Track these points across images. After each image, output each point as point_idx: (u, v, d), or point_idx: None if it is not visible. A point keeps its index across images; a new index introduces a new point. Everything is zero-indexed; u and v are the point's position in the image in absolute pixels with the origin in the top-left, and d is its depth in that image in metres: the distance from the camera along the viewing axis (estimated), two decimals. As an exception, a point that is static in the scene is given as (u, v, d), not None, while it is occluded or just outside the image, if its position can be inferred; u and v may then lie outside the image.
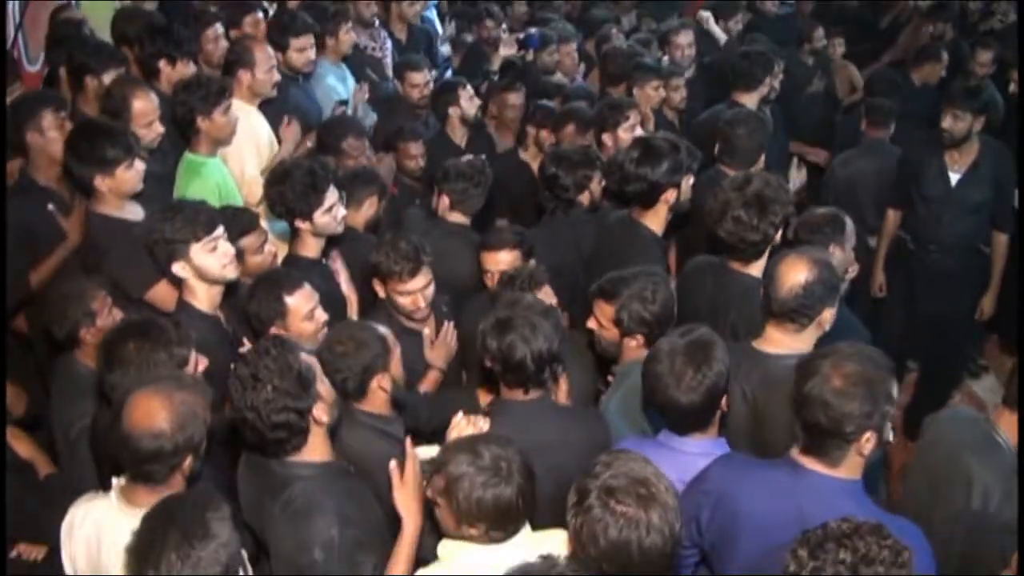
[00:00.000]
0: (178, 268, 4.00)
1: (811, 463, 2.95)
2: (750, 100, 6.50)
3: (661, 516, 2.55)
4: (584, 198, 5.20)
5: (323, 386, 3.18)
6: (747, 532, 2.96)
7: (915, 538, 2.78)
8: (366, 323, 3.91)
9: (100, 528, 3.06)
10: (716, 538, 3.08)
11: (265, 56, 5.72)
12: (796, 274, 3.57)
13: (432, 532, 3.18)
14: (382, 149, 6.20)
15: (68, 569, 3.16)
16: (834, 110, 8.93)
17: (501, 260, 4.56)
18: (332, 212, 4.57)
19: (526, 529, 3.00)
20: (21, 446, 3.94)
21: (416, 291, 4.27)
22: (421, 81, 6.83)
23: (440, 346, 4.44)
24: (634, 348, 3.91)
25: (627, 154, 4.75)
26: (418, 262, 4.23)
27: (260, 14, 6.75)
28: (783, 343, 3.66)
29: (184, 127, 5.15)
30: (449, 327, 4.48)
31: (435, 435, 3.69)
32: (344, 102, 6.54)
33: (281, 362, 3.06)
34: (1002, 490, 3.31)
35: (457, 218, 5.13)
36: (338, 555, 3.00)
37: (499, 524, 2.91)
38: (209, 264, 3.99)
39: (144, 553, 2.53)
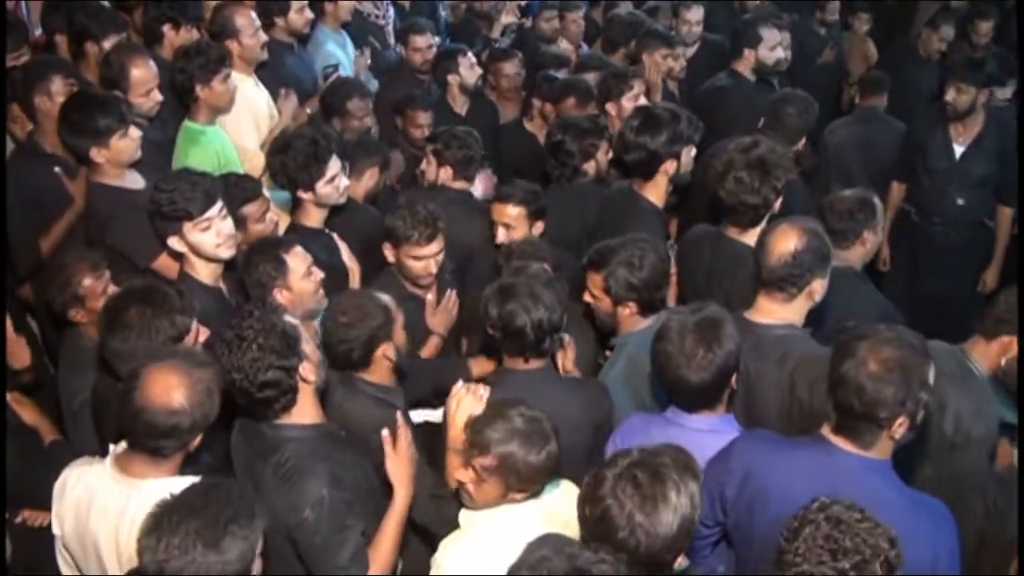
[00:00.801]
0: (173, 242, 4.01)
1: (842, 443, 2.92)
2: (745, 67, 6.62)
3: (648, 524, 2.52)
4: (590, 167, 5.19)
5: (308, 346, 3.20)
6: (777, 510, 2.89)
7: (943, 519, 2.88)
8: (368, 292, 3.92)
9: (91, 493, 3.08)
10: (743, 515, 3.06)
11: (247, 21, 5.65)
12: (786, 242, 3.56)
13: (432, 499, 3.26)
14: (391, 114, 6.18)
15: (56, 529, 3.19)
16: (843, 82, 8.90)
17: (508, 213, 4.62)
18: (334, 182, 4.57)
19: None
20: (26, 412, 3.95)
21: (430, 256, 4.30)
22: (424, 44, 6.83)
23: (441, 312, 4.46)
24: (628, 316, 3.92)
25: (628, 122, 4.76)
26: (435, 228, 4.27)
27: None
28: (773, 313, 3.66)
29: (183, 95, 5.13)
30: (451, 294, 4.50)
31: (437, 398, 3.73)
32: (335, 66, 6.50)
33: (264, 321, 3.08)
34: (972, 411, 3.59)
35: (460, 185, 5.15)
36: (328, 515, 3.03)
37: (548, 478, 3.00)
38: (202, 242, 3.99)
39: (158, 524, 2.54)
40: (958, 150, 6.18)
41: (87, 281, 3.95)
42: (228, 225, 4.05)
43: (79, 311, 3.97)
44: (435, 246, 4.30)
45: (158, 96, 4.99)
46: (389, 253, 4.36)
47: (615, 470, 2.57)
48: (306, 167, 4.49)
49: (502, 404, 3.04)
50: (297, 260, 4.01)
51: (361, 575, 3.10)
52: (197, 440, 3.02)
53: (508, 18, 7.93)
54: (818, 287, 3.64)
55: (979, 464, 3.64)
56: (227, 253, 4.05)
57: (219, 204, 4.02)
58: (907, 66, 7.65)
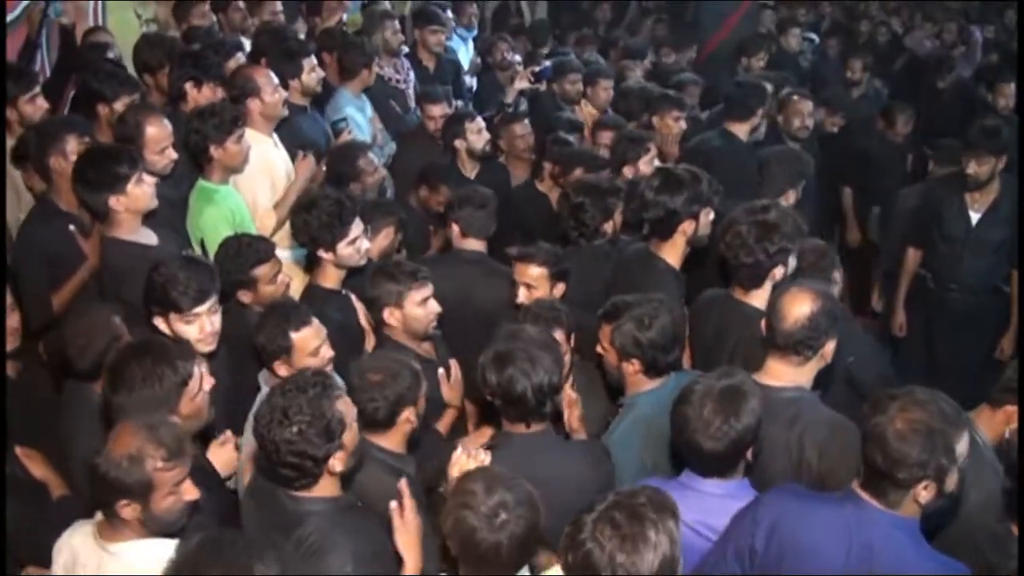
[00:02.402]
0: (158, 322, 3.99)
1: (870, 498, 2.96)
2: (741, 130, 6.59)
3: (628, 563, 2.53)
4: (608, 227, 5.19)
5: (349, 435, 3.16)
6: (807, 563, 2.96)
7: None
8: (399, 355, 3.90)
9: (75, 554, 3.08)
10: (770, 568, 3.05)
11: (267, 80, 5.70)
12: (800, 306, 3.59)
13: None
14: (407, 177, 6.19)
15: None
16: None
17: (529, 273, 4.62)
18: (355, 245, 4.58)
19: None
20: (35, 466, 3.88)
21: (430, 296, 4.32)
22: (438, 113, 6.94)
23: (455, 385, 4.41)
24: (633, 374, 3.90)
25: (648, 182, 4.77)
26: (420, 270, 4.32)
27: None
28: (784, 376, 3.66)
29: (197, 155, 5.15)
30: (454, 364, 4.44)
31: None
32: (344, 119, 6.54)
33: (315, 406, 3.07)
34: (971, 478, 3.46)
35: (471, 245, 5.11)
36: None
37: (479, 569, 2.89)
38: (185, 332, 3.93)
39: None
40: (974, 217, 6.17)
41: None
42: (215, 321, 3.99)
43: None
44: (431, 287, 4.34)
45: (172, 154, 5.01)
46: (393, 318, 4.33)
47: (593, 515, 2.59)
48: (329, 227, 4.50)
49: (496, 478, 2.95)
50: (308, 337, 3.97)
51: None
52: (163, 501, 2.97)
53: (521, 83, 7.98)
54: (831, 348, 3.67)
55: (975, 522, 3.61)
56: (206, 348, 3.97)
57: (211, 301, 3.97)
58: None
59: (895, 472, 2.85)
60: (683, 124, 6.88)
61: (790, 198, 5.45)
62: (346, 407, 3.17)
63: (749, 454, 3.30)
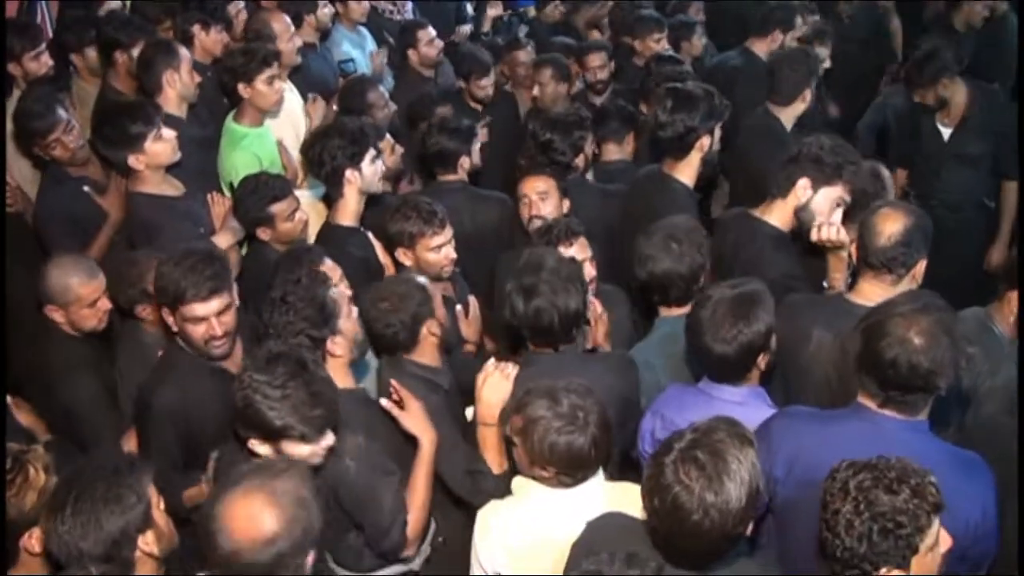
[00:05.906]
0: (166, 313, 3.69)
1: (893, 413, 2.97)
2: (761, 49, 6.63)
3: (719, 502, 2.46)
4: (580, 160, 5.21)
5: (348, 322, 3.44)
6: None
7: (983, 470, 2.95)
8: (400, 276, 4.04)
9: None
10: (794, 493, 3.07)
11: (284, 26, 5.71)
12: (894, 223, 3.54)
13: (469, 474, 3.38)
14: (412, 119, 6.14)
15: None
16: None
17: (538, 186, 4.71)
18: (376, 164, 4.63)
19: (599, 478, 3.08)
20: (22, 414, 3.91)
21: (446, 243, 4.33)
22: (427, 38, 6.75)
23: (473, 322, 4.47)
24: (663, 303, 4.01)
25: (661, 103, 4.72)
26: (440, 214, 4.31)
27: None
28: (876, 296, 3.54)
29: (229, 95, 5.19)
30: (473, 301, 4.51)
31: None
32: (351, 60, 6.53)
33: (308, 291, 3.39)
34: (987, 368, 3.68)
35: (450, 176, 5.14)
36: (367, 462, 3.19)
37: (569, 470, 2.99)
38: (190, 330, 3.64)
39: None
40: (945, 132, 6.17)
41: None
42: (225, 324, 3.62)
43: (146, 308, 4.04)
44: (448, 231, 4.34)
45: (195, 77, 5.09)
46: (406, 257, 4.35)
47: (672, 455, 2.53)
48: (353, 144, 4.54)
49: (562, 386, 3.05)
50: None
51: (402, 519, 3.25)
52: (311, 558, 2.61)
53: (495, 10, 7.95)
54: (922, 268, 3.63)
55: (994, 418, 3.64)
56: (217, 351, 3.68)
57: (218, 300, 3.58)
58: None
59: (936, 383, 2.88)
60: (665, 44, 6.90)
61: (807, 97, 5.51)
62: (339, 296, 3.46)
63: (762, 362, 3.35)
